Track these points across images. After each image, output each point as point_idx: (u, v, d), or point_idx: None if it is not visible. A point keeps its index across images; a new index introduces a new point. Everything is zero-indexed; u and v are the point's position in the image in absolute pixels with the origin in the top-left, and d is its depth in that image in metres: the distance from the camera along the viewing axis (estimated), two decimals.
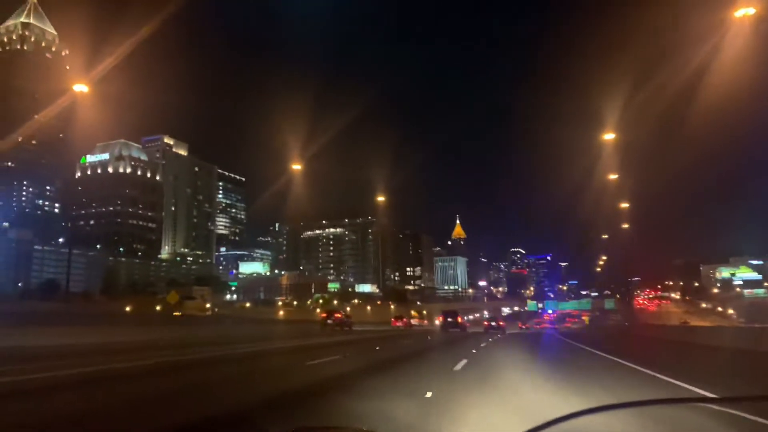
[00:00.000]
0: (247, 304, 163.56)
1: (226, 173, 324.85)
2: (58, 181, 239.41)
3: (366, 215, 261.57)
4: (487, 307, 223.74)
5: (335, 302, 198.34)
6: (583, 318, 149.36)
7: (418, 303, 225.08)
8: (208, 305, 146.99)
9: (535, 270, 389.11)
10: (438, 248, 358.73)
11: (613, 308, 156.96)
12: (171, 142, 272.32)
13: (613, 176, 70.87)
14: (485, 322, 79.17)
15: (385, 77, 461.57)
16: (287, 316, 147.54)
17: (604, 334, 56.34)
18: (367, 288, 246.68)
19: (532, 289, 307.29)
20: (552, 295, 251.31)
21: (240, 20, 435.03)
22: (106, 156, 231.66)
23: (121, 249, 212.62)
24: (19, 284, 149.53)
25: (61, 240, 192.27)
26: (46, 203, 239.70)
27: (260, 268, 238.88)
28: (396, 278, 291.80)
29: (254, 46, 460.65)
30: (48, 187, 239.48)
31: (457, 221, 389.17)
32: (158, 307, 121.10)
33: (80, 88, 68.80)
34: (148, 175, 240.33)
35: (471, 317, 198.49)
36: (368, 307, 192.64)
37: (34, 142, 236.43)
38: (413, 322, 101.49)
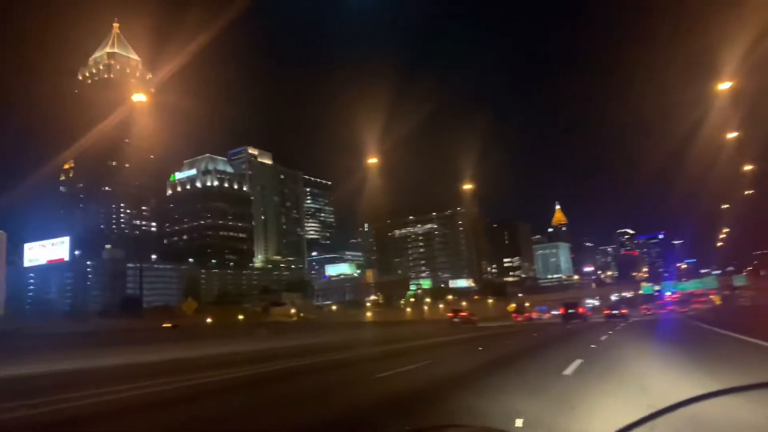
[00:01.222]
0: (334, 307, 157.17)
1: (312, 178, 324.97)
2: (153, 200, 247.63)
3: (455, 207, 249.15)
4: (596, 294, 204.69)
5: (427, 300, 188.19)
6: (711, 297, 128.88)
7: (520, 295, 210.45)
8: (293, 311, 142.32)
9: (647, 251, 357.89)
10: (538, 236, 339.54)
11: (745, 284, 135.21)
12: (255, 152, 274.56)
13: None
14: (605, 311, 74.94)
15: (469, 63, 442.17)
16: (377, 318, 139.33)
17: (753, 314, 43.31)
18: (462, 283, 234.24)
19: (645, 270, 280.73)
20: (667, 275, 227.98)
21: (312, 18, 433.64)
22: (193, 172, 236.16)
23: (213, 261, 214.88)
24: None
25: (153, 257, 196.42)
26: (143, 223, 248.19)
27: (347, 270, 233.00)
28: (493, 271, 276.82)
29: (328, 42, 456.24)
30: (144, 207, 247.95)
31: (557, 207, 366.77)
32: (240, 317, 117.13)
33: (139, 97, 65.24)
34: (235, 186, 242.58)
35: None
36: (464, 303, 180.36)
37: (127, 165, 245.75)
38: (533, 315, 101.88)
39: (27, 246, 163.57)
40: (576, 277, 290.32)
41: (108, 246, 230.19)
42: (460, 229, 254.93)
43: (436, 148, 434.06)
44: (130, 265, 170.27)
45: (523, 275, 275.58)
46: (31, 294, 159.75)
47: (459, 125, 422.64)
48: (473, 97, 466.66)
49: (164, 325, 56.68)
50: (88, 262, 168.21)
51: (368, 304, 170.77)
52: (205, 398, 11.53)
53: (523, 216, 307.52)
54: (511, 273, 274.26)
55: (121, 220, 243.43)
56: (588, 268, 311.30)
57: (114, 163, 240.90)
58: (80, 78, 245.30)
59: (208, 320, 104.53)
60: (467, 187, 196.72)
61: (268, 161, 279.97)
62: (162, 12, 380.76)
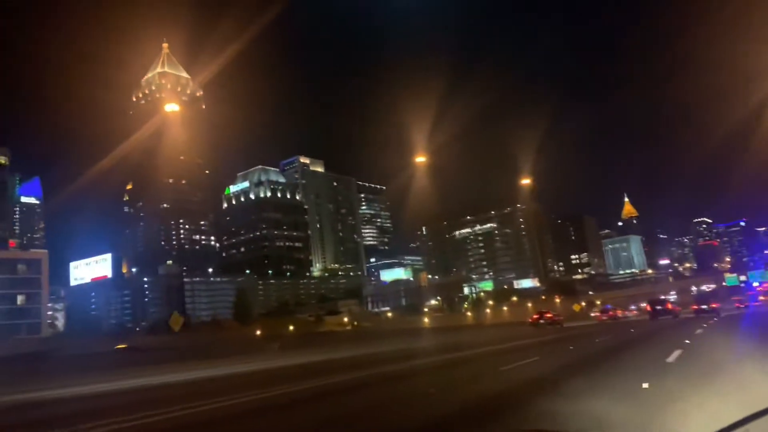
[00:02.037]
0: (389, 314, 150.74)
1: (366, 184, 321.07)
2: (211, 214, 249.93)
3: (514, 204, 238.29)
4: (674, 288, 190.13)
5: (490, 302, 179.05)
6: None
7: (590, 293, 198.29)
8: (346, 319, 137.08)
9: (728, 240, 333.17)
10: (607, 231, 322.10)
11: None
12: (307, 161, 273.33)
13: None
14: (693, 306, 71.30)
15: (523, 53, 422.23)
16: (436, 323, 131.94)
17: None
18: (527, 283, 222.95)
19: (727, 261, 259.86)
20: (753, 265, 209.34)
21: (356, 20, 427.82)
22: (246, 184, 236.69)
23: (269, 272, 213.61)
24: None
25: (210, 270, 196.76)
26: (202, 237, 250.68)
27: (402, 275, 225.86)
28: (560, 268, 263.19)
29: (375, 43, 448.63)
30: (202, 222, 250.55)
31: (625, 199, 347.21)
32: (291, 327, 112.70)
33: (172, 107, 62.45)
34: (288, 196, 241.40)
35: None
36: (529, 304, 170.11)
37: (184, 181, 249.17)
38: (618, 314, 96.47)
39: (72, 265, 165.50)
40: (650, 270, 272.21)
41: (169, 262, 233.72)
42: (521, 226, 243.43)
43: (492, 144, 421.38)
44: (186, 279, 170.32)
45: (593, 272, 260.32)
46: (81, 312, 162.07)
47: (515, 119, 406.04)
48: (530, 89, 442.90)
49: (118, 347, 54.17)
50: (145, 279, 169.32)
51: (426, 309, 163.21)
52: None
53: (589, 210, 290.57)
54: (579, 270, 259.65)
55: (181, 236, 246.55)
56: (663, 261, 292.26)
57: (171, 180, 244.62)
58: (134, 99, 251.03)
59: (257, 332, 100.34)
60: (525, 181, 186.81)
61: (320, 169, 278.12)
62: (208, 29, 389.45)
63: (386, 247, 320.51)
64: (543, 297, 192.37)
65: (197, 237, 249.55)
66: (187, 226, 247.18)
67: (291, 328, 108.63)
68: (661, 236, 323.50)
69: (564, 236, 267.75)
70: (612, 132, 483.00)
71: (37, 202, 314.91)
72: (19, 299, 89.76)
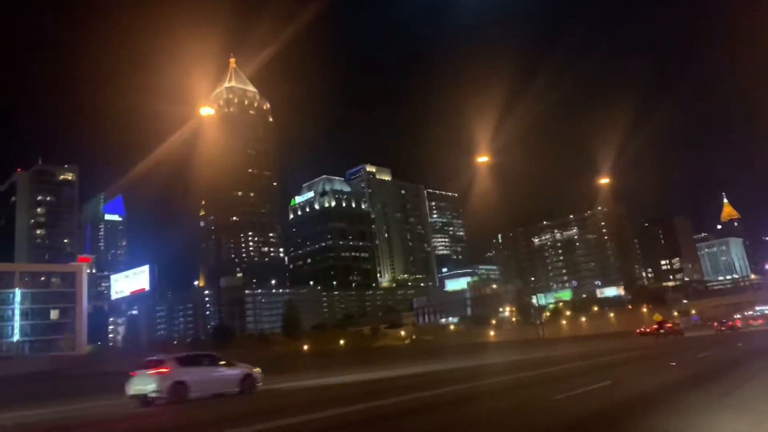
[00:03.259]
0: (452, 327, 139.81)
1: (437, 191, 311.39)
2: (279, 226, 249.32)
3: (594, 207, 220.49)
4: None
5: (568, 313, 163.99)
6: None
7: (684, 302, 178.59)
8: (403, 333, 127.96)
9: None
10: (705, 234, 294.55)
11: None
12: (373, 169, 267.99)
13: None
14: None
15: (602, 43, 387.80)
16: (505, 336, 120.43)
17: None
18: (611, 291, 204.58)
19: None
20: None
21: (416, 22, 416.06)
22: (311, 194, 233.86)
23: (333, 283, 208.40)
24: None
25: (273, 282, 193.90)
26: (271, 249, 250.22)
27: (465, 284, 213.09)
28: (649, 275, 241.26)
29: (437, 36, 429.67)
30: (270, 234, 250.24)
31: (725, 200, 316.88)
32: (342, 341, 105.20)
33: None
34: (353, 205, 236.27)
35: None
36: (611, 314, 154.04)
37: (252, 194, 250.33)
38: (737, 324, 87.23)
39: (113, 278, 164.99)
40: (753, 276, 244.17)
41: (239, 275, 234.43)
42: (604, 230, 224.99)
43: (567, 141, 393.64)
44: (248, 292, 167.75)
45: (686, 278, 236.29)
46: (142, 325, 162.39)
47: (593, 112, 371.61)
48: (610, 78, 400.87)
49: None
50: (207, 291, 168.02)
51: (493, 321, 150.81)
52: None
53: (682, 212, 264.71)
54: (670, 277, 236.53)
55: (250, 248, 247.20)
56: None
57: (240, 193, 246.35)
58: (204, 115, 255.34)
59: (305, 347, 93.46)
60: (604, 181, 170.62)
61: (387, 177, 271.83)
62: (271, 41, 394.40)
63: (459, 257, 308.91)
64: (630, 306, 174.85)
65: (266, 249, 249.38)
66: (256, 239, 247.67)
67: (342, 342, 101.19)
68: (767, 239, 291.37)
69: (652, 240, 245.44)
70: (710, 124, 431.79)
71: (120, 219, 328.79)
72: (53, 314, 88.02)
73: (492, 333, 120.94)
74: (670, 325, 68.65)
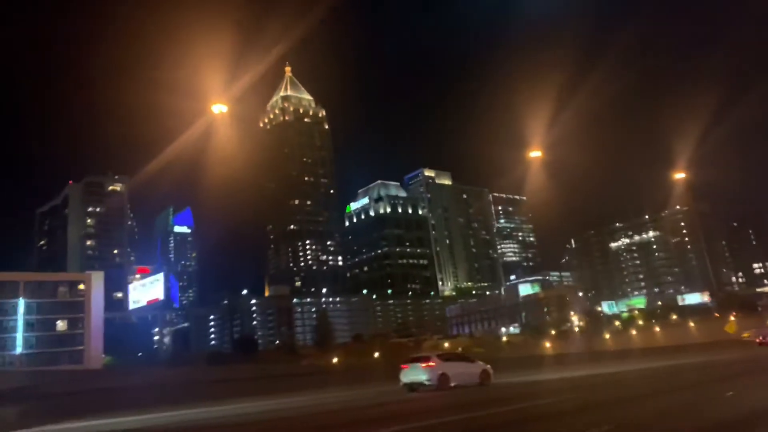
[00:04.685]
0: (504, 338, 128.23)
1: (503, 195, 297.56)
2: (337, 234, 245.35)
3: (673, 205, 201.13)
4: None
5: (640, 322, 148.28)
6: None
7: None
8: (447, 344, 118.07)
9: None
10: None
11: None
12: (432, 173, 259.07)
13: None
14: None
15: (681, 17, 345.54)
16: (564, 348, 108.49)
17: None
18: (694, 298, 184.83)
19: None
20: None
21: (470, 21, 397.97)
22: (366, 200, 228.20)
23: (389, 291, 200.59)
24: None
25: (324, 290, 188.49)
26: (329, 257, 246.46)
27: (531, 290, 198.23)
28: (740, 280, 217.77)
29: (494, 37, 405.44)
30: (328, 242, 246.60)
31: None
32: (377, 354, 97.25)
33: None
34: (410, 211, 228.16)
35: None
36: (691, 323, 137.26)
37: (309, 202, 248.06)
38: None
39: (131, 287, 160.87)
40: None
41: (298, 283, 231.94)
42: (684, 231, 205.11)
43: (638, 137, 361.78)
44: (296, 301, 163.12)
45: None
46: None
47: (667, 105, 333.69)
48: (686, 68, 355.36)
49: None
50: (253, 301, 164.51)
51: (553, 331, 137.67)
52: None
53: None
54: (765, 281, 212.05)
55: (308, 257, 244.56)
56: None
57: (297, 202, 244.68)
58: (261, 125, 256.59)
59: (334, 360, 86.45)
60: (680, 176, 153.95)
61: (447, 182, 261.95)
62: (324, 50, 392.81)
63: (531, 263, 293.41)
64: (717, 315, 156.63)
65: (324, 257, 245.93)
66: (314, 247, 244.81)
67: (377, 354, 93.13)
68: None
69: (743, 241, 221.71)
70: None
71: (189, 231, 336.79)
72: (59, 325, 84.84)
73: (548, 344, 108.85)
74: None
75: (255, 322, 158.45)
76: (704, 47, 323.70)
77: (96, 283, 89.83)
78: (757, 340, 76.45)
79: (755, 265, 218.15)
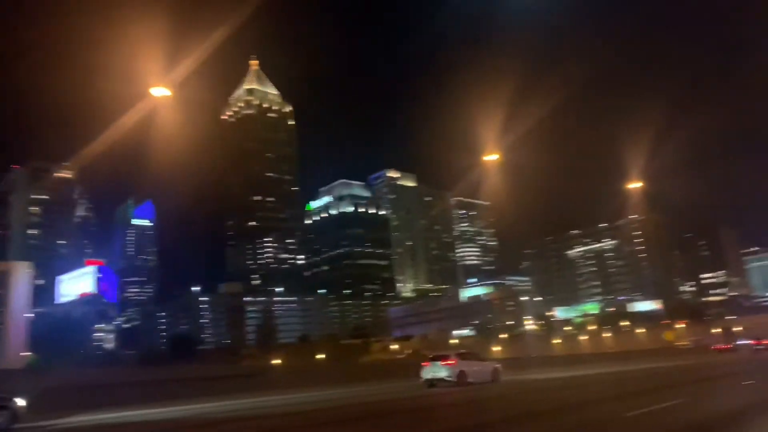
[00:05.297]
0: (454, 341, 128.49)
1: (466, 199, 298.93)
2: (298, 233, 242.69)
3: (628, 214, 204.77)
4: None
5: (591, 328, 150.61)
6: None
7: (730, 318, 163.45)
8: (396, 346, 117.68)
9: None
10: (756, 248, 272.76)
11: None
12: (396, 175, 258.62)
13: None
14: None
15: (637, 21, 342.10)
16: (515, 352, 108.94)
17: None
18: (645, 306, 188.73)
19: None
20: None
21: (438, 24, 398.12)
22: (328, 199, 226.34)
23: (346, 291, 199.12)
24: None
25: (279, 289, 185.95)
26: (290, 256, 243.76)
27: (481, 293, 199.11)
28: (691, 289, 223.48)
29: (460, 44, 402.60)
30: (289, 240, 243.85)
31: None
32: (321, 356, 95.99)
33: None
34: (372, 211, 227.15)
35: None
36: (641, 330, 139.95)
37: (271, 199, 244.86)
38: None
39: (60, 279, 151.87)
40: None
41: (258, 281, 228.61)
42: (638, 240, 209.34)
43: (593, 146, 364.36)
44: (247, 299, 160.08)
45: (732, 293, 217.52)
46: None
47: (621, 115, 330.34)
48: (642, 65, 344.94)
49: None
50: (203, 298, 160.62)
51: (505, 335, 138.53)
52: None
53: (731, 222, 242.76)
54: (712, 291, 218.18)
55: (268, 254, 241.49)
56: None
57: (258, 198, 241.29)
58: (223, 118, 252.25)
59: (275, 362, 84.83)
60: (635, 186, 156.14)
61: (411, 183, 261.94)
62: (295, 48, 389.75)
63: (491, 267, 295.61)
64: (666, 322, 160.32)
65: (284, 255, 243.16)
66: (274, 245, 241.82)
67: (322, 356, 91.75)
68: None
69: (695, 252, 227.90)
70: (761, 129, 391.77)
71: (150, 224, 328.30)
72: None
73: (498, 348, 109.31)
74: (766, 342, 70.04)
75: (205, 320, 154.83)
76: (655, 61, 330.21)
77: (20, 275, 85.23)
78: (714, 347, 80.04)
79: (705, 275, 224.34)
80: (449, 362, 25.73)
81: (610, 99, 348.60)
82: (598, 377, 30.96)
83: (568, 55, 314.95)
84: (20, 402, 16.38)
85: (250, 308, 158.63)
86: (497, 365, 28.63)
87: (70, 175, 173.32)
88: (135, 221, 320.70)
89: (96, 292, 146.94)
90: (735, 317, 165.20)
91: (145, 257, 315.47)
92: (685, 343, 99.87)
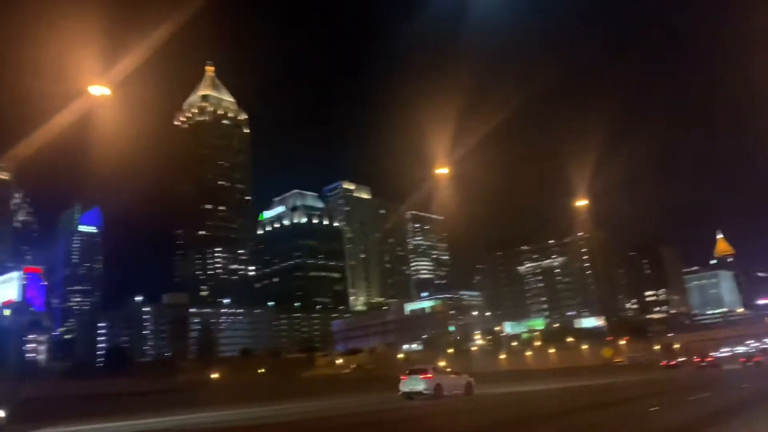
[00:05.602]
0: (400, 355, 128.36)
1: (421, 213, 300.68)
2: (250, 243, 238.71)
3: (575, 231, 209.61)
4: None
5: (537, 343, 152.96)
6: None
7: (670, 335, 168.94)
8: (340, 361, 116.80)
9: None
10: (696, 267, 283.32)
11: None
12: (351, 186, 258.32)
13: None
14: None
15: (577, 42, 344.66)
16: (458, 367, 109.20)
17: None
18: (590, 322, 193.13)
19: None
20: None
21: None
22: (281, 209, 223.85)
23: (297, 304, 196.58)
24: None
25: (226, 300, 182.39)
26: (240, 267, 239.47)
27: (425, 306, 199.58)
28: (634, 306, 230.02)
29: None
30: (240, 251, 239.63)
31: (719, 236, 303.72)
32: (262, 370, 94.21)
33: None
34: (326, 222, 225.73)
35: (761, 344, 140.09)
36: (584, 347, 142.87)
37: (222, 208, 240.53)
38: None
39: None
40: (739, 309, 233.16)
41: (206, 292, 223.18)
42: (585, 257, 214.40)
43: (541, 163, 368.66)
44: (193, 310, 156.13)
45: (673, 311, 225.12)
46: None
47: (572, 131, 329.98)
48: (590, 90, 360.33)
49: None
50: (146, 309, 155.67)
51: (451, 350, 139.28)
52: None
53: (673, 243, 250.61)
54: (655, 309, 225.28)
55: (217, 265, 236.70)
56: (763, 301, 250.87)
57: (209, 206, 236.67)
58: (176, 123, 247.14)
59: (213, 376, 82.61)
60: (581, 203, 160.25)
61: (366, 196, 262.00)
62: (255, 53, 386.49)
63: (444, 281, 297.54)
64: (609, 338, 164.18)
65: (234, 266, 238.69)
66: (224, 255, 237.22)
67: (261, 371, 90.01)
68: (760, 274, 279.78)
69: (638, 270, 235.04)
70: (708, 151, 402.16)
71: (96, 231, 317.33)
72: None
73: (443, 363, 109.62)
74: (711, 358, 77.75)
75: (147, 332, 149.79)
76: (601, 82, 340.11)
77: None
78: (663, 363, 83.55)
79: (648, 293, 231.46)
80: (427, 376, 26.91)
81: (557, 116, 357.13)
82: (558, 391, 32.69)
83: (517, 73, 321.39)
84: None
85: (195, 320, 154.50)
86: (471, 379, 29.55)
87: (6, 177, 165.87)
88: (81, 228, 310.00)
89: (20, 299, 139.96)
90: (674, 334, 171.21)
91: (90, 265, 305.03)
92: (620, 359, 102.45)
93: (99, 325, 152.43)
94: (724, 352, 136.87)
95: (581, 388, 35.57)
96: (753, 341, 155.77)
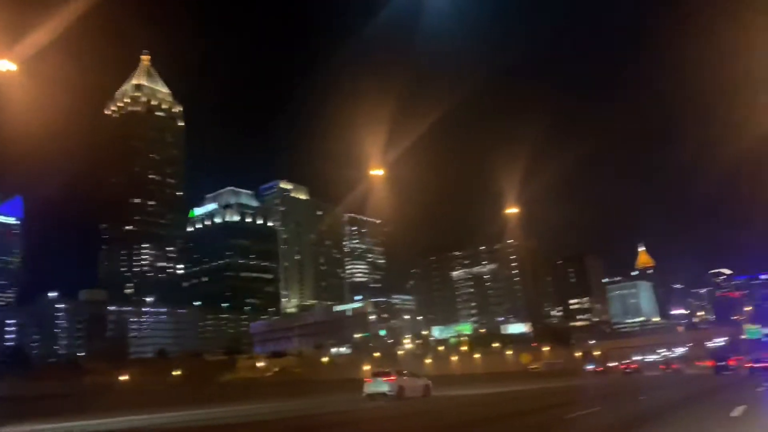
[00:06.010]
0: (324, 359, 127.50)
1: (358, 216, 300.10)
2: (179, 241, 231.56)
3: (505, 238, 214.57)
4: (687, 340, 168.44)
5: (464, 348, 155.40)
6: None
7: (592, 342, 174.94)
8: (262, 363, 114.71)
9: (748, 292, 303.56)
10: (619, 278, 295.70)
11: None
12: (288, 186, 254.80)
13: None
14: (747, 364, 59.24)
15: (506, 51, 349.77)
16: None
17: None
18: (517, 328, 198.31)
19: (747, 310, 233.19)
20: None
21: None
22: (213, 206, 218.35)
23: (225, 305, 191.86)
24: None
25: (149, 299, 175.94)
26: (168, 264, 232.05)
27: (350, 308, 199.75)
28: (559, 314, 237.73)
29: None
30: (168, 248, 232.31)
31: (640, 248, 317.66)
32: (177, 372, 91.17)
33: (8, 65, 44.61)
34: (260, 222, 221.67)
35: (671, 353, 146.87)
36: (508, 352, 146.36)
37: (151, 202, 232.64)
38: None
39: None
40: (655, 319, 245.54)
41: (131, 290, 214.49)
42: (513, 264, 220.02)
43: (479, 169, 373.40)
44: (111, 308, 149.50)
45: (595, 318, 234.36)
46: None
47: (503, 137, 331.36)
48: (521, 99, 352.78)
49: None
50: (60, 306, 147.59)
51: (377, 354, 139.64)
52: None
53: (598, 253, 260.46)
54: (578, 317, 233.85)
55: (144, 262, 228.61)
56: (677, 311, 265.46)
57: (138, 200, 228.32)
58: (107, 113, 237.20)
59: (123, 377, 79.04)
60: (512, 211, 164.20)
61: (304, 196, 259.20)
62: (194, 48, 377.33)
63: (379, 285, 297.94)
64: (534, 344, 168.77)
65: (162, 263, 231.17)
66: (151, 251, 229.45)
67: (176, 373, 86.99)
68: (676, 286, 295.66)
69: (564, 279, 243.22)
70: (635, 166, 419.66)
71: (17, 222, 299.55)
72: None
73: (368, 367, 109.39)
74: (635, 366, 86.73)
75: (59, 330, 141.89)
76: (532, 89, 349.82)
77: None
78: (590, 368, 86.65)
79: (572, 301, 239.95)
80: (390, 378, 28.82)
81: (490, 124, 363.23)
82: (499, 395, 33.66)
83: (450, 77, 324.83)
84: None
85: (113, 318, 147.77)
86: (428, 382, 31.79)
87: None
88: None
89: None
90: (596, 342, 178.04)
91: (7, 258, 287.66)
92: (536, 366, 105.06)
93: (7, 322, 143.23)
94: (636, 359, 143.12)
95: (527, 391, 36.82)
96: (664, 350, 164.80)
